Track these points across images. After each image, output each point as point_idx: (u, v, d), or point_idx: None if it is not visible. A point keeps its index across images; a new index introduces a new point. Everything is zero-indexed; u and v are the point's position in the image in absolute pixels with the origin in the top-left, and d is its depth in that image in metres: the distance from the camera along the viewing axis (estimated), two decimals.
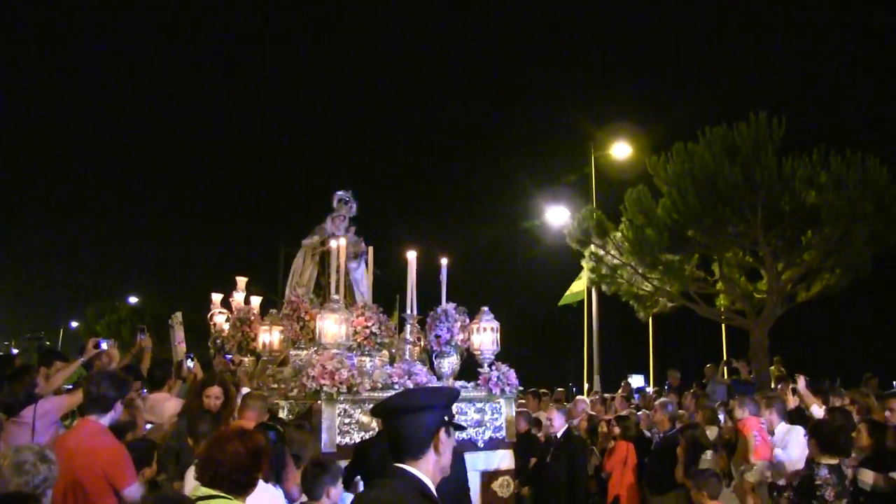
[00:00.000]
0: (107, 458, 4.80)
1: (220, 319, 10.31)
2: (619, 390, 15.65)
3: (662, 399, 10.72)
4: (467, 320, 8.11)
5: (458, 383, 7.84)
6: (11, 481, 3.67)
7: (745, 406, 7.80)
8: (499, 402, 7.79)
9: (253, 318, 9.50)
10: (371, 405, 6.98)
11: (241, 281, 10.60)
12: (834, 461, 5.88)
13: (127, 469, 4.89)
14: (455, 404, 7.48)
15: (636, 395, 15.73)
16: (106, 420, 5.06)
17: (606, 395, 15.17)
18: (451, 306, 8.10)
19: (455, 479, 5.50)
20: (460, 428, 3.08)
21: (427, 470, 2.76)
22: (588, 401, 13.02)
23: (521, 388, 8.49)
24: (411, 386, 7.18)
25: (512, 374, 7.82)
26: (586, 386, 20.42)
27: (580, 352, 21.23)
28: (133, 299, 41.62)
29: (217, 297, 10.54)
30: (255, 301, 10.40)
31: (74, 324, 44.17)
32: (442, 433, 2.81)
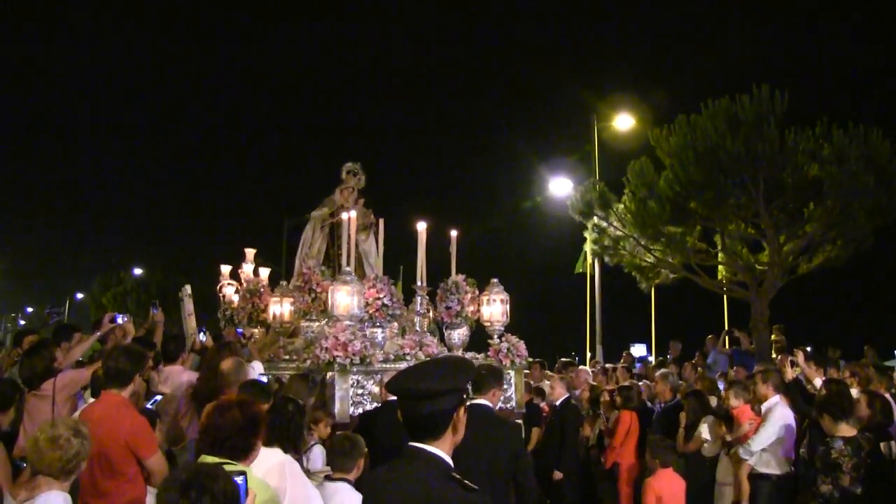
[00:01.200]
0: (130, 429, 4.95)
1: (229, 291, 10.42)
2: (621, 360, 15.78)
3: (663, 370, 10.85)
4: (476, 292, 8.22)
5: (469, 354, 7.96)
6: (46, 455, 3.77)
7: (739, 396, 7.91)
8: (509, 373, 7.90)
9: (263, 289, 9.57)
10: (382, 376, 7.12)
11: (250, 252, 10.67)
12: (850, 433, 5.84)
13: (149, 439, 5.06)
14: None
15: (638, 365, 15.88)
16: (126, 393, 5.20)
17: (608, 365, 15.32)
18: (460, 278, 8.21)
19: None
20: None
21: (445, 448, 2.76)
22: (590, 371, 13.19)
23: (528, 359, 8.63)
24: (423, 357, 7.29)
25: (521, 345, 7.94)
26: (588, 356, 20.58)
27: (582, 322, 21.38)
28: (138, 271, 41.66)
29: (226, 269, 10.62)
30: (264, 273, 10.52)
31: (80, 295, 44.30)
32: (461, 411, 2.80)
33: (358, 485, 4.81)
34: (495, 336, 8.03)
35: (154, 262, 42.97)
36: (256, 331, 9.48)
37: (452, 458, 2.77)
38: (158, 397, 6.84)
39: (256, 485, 3.60)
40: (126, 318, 7.48)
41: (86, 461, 3.97)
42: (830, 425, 5.95)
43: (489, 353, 7.92)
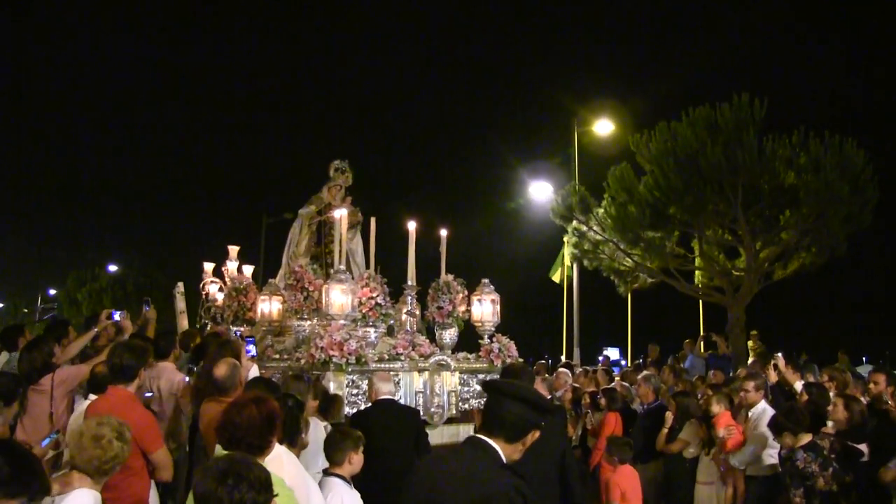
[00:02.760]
0: (137, 424, 4.95)
1: (212, 289, 10.39)
2: (600, 364, 15.96)
3: (646, 373, 11.01)
4: (466, 292, 8.31)
5: (461, 355, 8.04)
6: (87, 451, 3.82)
7: (721, 402, 8.03)
8: None
9: (249, 287, 9.53)
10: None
11: (234, 250, 10.61)
12: (806, 439, 6.11)
13: (155, 434, 5.15)
14: (461, 375, 7.68)
15: (616, 368, 16.06)
16: (133, 387, 5.29)
17: (587, 367, 15.48)
18: (450, 277, 8.29)
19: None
20: None
21: (509, 454, 3.02)
22: (569, 373, 13.32)
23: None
24: (416, 357, 7.39)
25: (512, 345, 8.02)
26: (563, 359, 20.67)
27: (556, 325, 21.47)
28: (113, 268, 41.11)
29: (209, 267, 10.57)
30: (248, 270, 10.50)
31: (52, 291, 43.60)
32: (535, 434, 3.10)
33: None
34: (486, 336, 8.11)
35: (130, 258, 42.45)
36: (242, 329, 9.47)
37: None
38: (148, 394, 6.91)
39: (274, 480, 3.71)
40: (123, 315, 7.51)
41: (121, 465, 4.01)
42: (791, 441, 6.21)
43: (480, 353, 8.00)
